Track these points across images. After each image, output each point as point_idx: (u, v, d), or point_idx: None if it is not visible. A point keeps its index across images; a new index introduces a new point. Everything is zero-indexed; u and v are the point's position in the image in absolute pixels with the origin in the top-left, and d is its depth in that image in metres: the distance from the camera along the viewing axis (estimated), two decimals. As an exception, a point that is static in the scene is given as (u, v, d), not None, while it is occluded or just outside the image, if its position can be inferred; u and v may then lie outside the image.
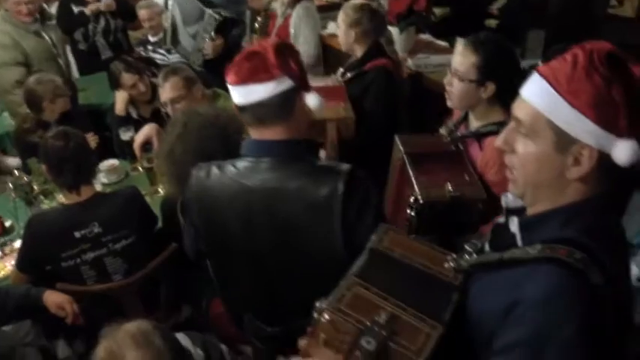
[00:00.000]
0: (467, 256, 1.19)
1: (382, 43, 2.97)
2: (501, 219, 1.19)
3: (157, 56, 4.26)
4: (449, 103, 1.96)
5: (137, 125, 2.94)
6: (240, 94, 1.49)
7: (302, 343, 1.16)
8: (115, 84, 3.14)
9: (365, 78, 2.81)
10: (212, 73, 3.43)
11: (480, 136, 1.88)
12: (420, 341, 1.06)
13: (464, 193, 1.66)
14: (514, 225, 1.11)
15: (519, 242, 1.09)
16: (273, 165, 1.49)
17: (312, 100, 1.52)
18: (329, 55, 3.83)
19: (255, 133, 1.54)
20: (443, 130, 2.02)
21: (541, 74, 1.00)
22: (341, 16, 2.86)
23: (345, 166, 1.48)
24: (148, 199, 2.53)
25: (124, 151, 3.06)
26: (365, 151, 2.40)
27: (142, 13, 4.22)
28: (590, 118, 0.94)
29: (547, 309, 0.96)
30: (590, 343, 0.95)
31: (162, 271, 2.32)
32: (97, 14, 4.41)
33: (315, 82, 2.89)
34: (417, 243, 1.29)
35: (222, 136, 1.83)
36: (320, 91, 1.61)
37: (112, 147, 3.22)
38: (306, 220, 1.46)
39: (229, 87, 1.52)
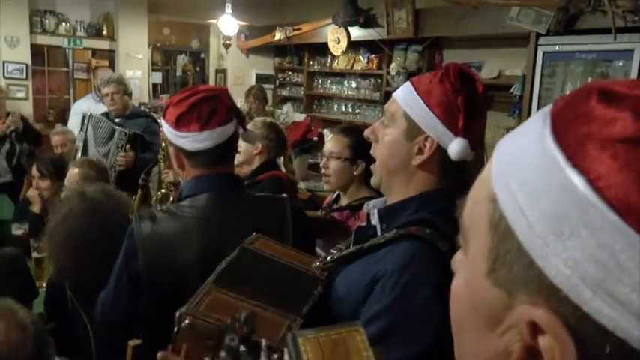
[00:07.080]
0: (332, 256, 1.32)
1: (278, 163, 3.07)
2: (363, 223, 1.33)
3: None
4: (326, 187, 2.23)
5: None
6: (206, 138, 1.52)
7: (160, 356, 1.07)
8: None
9: (257, 187, 2.98)
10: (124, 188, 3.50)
11: (353, 208, 2.12)
12: (281, 333, 1.07)
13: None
14: (374, 218, 1.24)
15: (379, 233, 1.21)
16: (222, 198, 1.57)
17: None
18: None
19: (203, 171, 1.58)
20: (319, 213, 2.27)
21: (410, 80, 1.22)
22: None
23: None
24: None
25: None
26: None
27: (56, 139, 4.31)
28: (436, 115, 1.14)
29: (406, 273, 1.08)
30: (446, 299, 1.09)
31: None
32: (3, 136, 4.50)
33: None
34: (287, 248, 1.42)
35: (100, 225, 1.87)
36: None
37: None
38: None
39: (183, 134, 1.52)
